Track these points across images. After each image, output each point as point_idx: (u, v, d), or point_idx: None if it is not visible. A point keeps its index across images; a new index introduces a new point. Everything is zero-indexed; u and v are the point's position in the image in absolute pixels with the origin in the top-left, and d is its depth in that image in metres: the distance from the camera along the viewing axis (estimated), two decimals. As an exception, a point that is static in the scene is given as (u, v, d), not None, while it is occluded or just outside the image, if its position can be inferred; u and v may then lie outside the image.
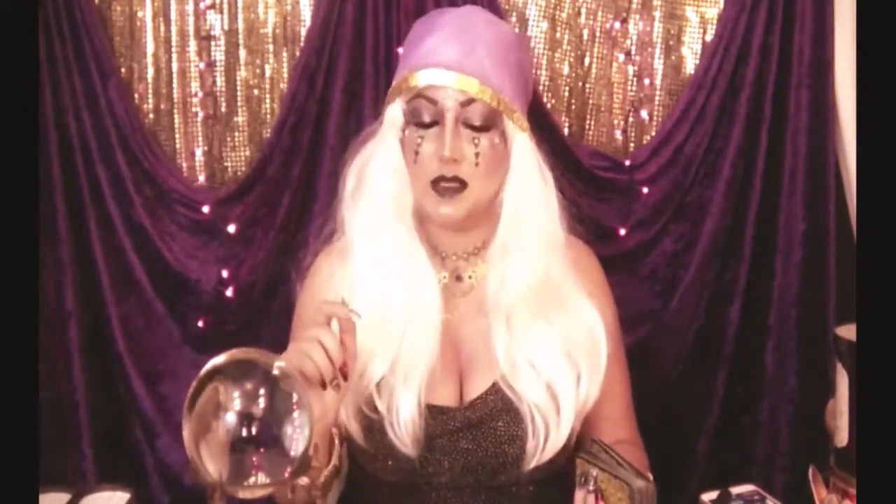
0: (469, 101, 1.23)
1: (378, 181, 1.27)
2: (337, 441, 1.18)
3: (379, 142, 1.29)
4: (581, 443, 1.35)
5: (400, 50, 1.76)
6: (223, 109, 1.81)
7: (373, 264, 1.28)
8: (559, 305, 1.29)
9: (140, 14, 1.77)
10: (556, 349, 1.26)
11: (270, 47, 1.80)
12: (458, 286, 1.32)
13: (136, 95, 1.78)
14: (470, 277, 1.33)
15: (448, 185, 1.24)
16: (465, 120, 1.24)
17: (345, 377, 1.12)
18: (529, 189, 1.29)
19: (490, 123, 1.25)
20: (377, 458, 1.25)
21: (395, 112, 1.28)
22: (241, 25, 1.78)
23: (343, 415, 1.24)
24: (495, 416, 1.25)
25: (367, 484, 1.31)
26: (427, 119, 1.24)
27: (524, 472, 1.25)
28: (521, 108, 1.30)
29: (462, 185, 1.24)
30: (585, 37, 1.86)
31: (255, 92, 1.81)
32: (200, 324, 1.79)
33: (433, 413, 1.24)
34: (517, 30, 1.83)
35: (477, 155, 1.24)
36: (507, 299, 1.27)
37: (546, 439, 1.23)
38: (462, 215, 1.27)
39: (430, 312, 1.25)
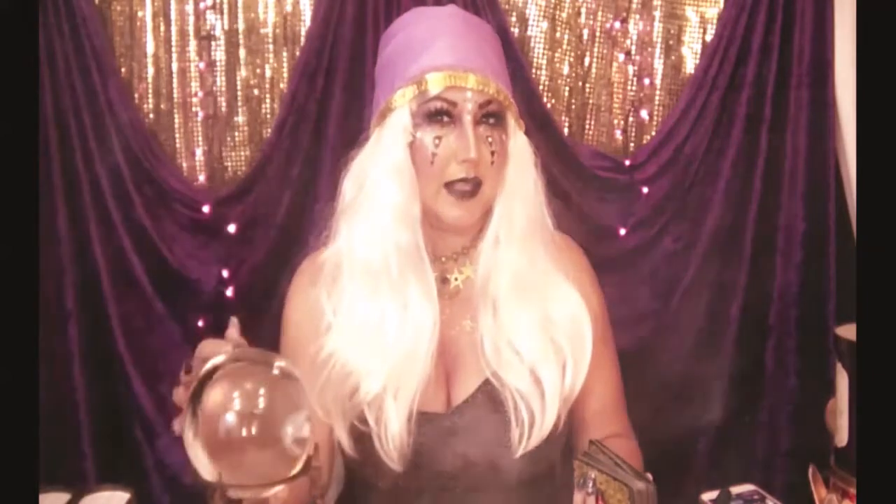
0: (487, 102, 1.23)
1: (384, 187, 1.24)
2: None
3: (381, 146, 1.26)
4: (572, 441, 1.35)
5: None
6: (223, 109, 1.81)
7: (371, 281, 1.25)
8: (543, 291, 1.28)
9: (140, 14, 1.77)
10: (539, 334, 1.26)
11: (270, 47, 1.80)
12: (444, 288, 1.31)
13: (136, 95, 1.78)
14: (456, 279, 1.32)
15: (465, 188, 1.23)
16: (481, 119, 1.23)
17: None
18: (525, 184, 1.28)
19: (500, 121, 1.25)
20: (368, 464, 1.25)
21: (403, 116, 1.24)
22: (241, 25, 1.79)
23: (336, 430, 1.24)
24: (482, 418, 1.24)
25: (359, 487, 1.31)
26: (443, 121, 1.23)
27: (514, 473, 1.25)
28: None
29: (477, 185, 1.23)
30: (585, 37, 1.86)
31: (255, 92, 1.81)
32: (200, 324, 1.79)
33: (421, 419, 1.23)
34: (517, 30, 1.83)
35: (493, 153, 1.23)
36: (494, 287, 1.27)
37: (531, 426, 1.23)
38: (476, 218, 1.26)
39: (427, 331, 1.24)
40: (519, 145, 1.29)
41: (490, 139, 1.23)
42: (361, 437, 1.24)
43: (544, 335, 1.26)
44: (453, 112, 1.22)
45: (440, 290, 1.29)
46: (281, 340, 1.35)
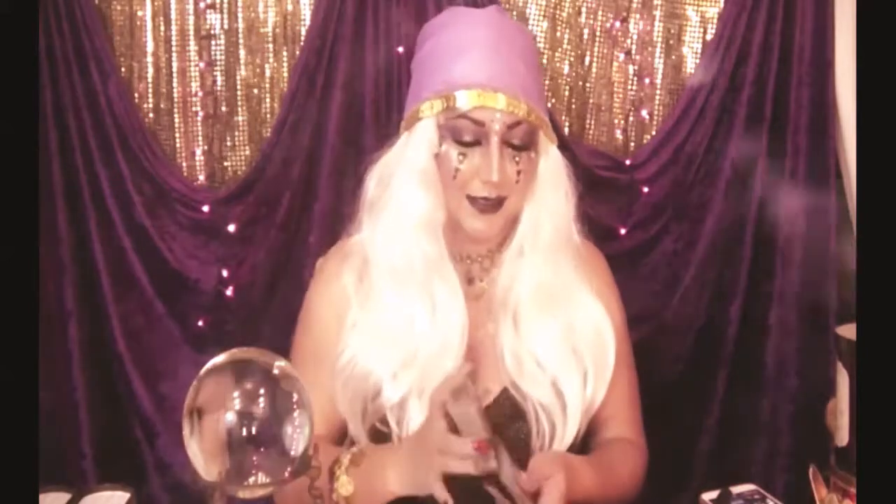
0: (516, 124, 1.20)
1: (408, 195, 1.23)
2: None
3: (408, 152, 1.24)
4: (586, 444, 1.35)
5: (401, 49, 1.76)
6: (223, 109, 1.81)
7: (397, 282, 1.24)
8: (567, 303, 1.27)
9: (140, 13, 1.77)
10: (561, 345, 1.25)
11: (270, 47, 1.80)
12: (470, 290, 1.30)
13: (136, 95, 1.78)
14: (481, 280, 1.31)
15: (487, 204, 1.21)
16: (509, 140, 1.21)
17: None
18: (555, 197, 1.27)
19: (530, 142, 1.23)
20: None
21: (429, 127, 1.22)
22: (241, 25, 1.79)
23: (352, 428, 1.24)
24: (506, 423, 1.23)
25: None
26: (470, 139, 1.20)
27: None
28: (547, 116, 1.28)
29: (500, 202, 1.22)
30: (586, 36, 1.86)
31: (255, 91, 1.81)
32: (200, 324, 1.79)
33: None
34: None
35: (518, 173, 1.21)
36: (515, 297, 1.26)
37: (552, 438, 1.22)
38: (497, 232, 1.25)
39: (457, 331, 1.23)
40: (551, 160, 1.26)
41: (517, 158, 1.21)
42: (382, 438, 1.23)
43: (566, 346, 1.25)
44: (479, 131, 1.20)
45: (466, 290, 1.28)
46: (298, 332, 1.32)
